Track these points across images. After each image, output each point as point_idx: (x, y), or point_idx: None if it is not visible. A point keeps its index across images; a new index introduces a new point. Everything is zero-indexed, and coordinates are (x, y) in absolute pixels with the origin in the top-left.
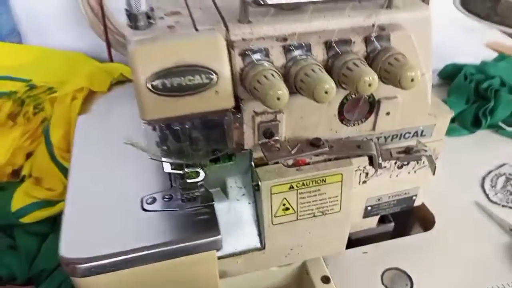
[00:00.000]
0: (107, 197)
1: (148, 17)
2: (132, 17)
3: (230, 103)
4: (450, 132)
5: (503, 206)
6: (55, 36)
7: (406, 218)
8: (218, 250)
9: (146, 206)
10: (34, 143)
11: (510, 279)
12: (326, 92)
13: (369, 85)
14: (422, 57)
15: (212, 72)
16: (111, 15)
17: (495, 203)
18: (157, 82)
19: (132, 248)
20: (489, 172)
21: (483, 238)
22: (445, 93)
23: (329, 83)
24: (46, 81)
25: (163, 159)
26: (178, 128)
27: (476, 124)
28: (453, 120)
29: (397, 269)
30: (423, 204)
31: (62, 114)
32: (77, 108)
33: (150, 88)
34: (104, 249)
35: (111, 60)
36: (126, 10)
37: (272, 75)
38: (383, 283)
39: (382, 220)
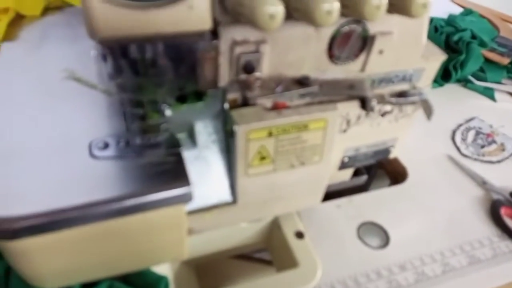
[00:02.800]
0: (42, 141)
1: None
2: None
3: (206, 23)
4: None
5: (474, 159)
6: None
7: (375, 172)
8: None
9: (96, 152)
10: None
11: (483, 232)
12: (328, 13)
13: (377, 7)
14: None
15: None
16: None
17: (466, 156)
18: None
19: (81, 203)
20: (459, 126)
21: (456, 191)
22: None
23: (331, 1)
24: None
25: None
26: (136, 56)
27: (445, 77)
28: None
29: (372, 223)
30: (394, 158)
31: None
32: (0, 33)
33: None
34: (40, 205)
35: None
36: None
37: None
38: (359, 237)
39: (354, 173)
